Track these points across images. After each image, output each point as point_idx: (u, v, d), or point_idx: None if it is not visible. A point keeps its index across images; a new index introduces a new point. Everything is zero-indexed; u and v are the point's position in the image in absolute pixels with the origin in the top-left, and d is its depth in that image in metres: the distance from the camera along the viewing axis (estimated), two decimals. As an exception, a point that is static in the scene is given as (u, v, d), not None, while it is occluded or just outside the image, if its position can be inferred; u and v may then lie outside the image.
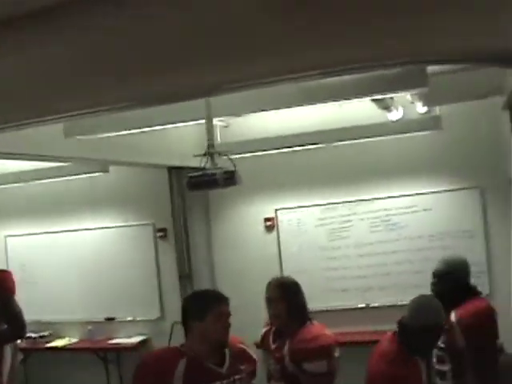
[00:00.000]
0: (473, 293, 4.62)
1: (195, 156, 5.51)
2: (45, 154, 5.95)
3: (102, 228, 9.27)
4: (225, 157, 5.47)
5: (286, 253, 8.51)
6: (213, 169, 5.32)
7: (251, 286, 8.55)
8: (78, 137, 6.00)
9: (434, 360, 4.37)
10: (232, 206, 8.73)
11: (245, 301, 8.55)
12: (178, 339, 8.60)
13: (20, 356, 8.97)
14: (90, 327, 9.24)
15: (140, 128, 6.06)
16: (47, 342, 9.35)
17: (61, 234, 9.49)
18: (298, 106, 5.78)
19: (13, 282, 5.99)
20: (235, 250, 8.72)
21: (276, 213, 8.57)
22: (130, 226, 9.11)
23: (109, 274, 9.16)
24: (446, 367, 4.34)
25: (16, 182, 9.07)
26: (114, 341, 9.07)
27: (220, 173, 5.29)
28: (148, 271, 9.00)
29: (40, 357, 9.44)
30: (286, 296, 4.32)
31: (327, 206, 8.33)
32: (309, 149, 7.90)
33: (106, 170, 8.32)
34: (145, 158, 7.16)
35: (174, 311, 8.59)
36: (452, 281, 4.60)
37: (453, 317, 4.35)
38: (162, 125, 6.06)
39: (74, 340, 9.39)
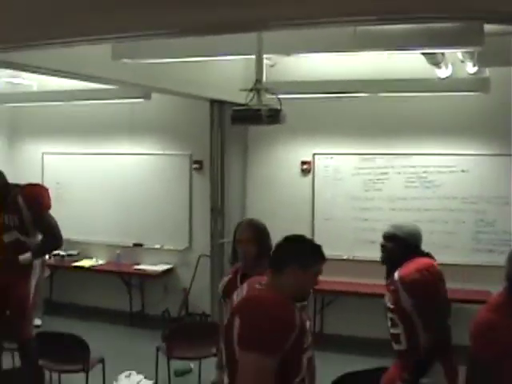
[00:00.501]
0: (420, 255, 4.55)
1: (241, 90, 5.47)
2: (90, 74, 5.94)
3: (139, 154, 9.31)
4: (271, 95, 5.42)
5: (319, 198, 8.50)
6: (258, 105, 5.28)
7: (281, 227, 8.57)
8: (124, 60, 5.98)
9: (389, 324, 4.44)
10: (270, 146, 8.70)
11: (272, 240, 8.60)
12: (203, 271, 8.75)
13: (47, 272, 9.15)
14: (117, 251, 9.34)
15: (189, 57, 6.02)
16: (74, 261, 9.50)
17: (97, 156, 9.56)
18: (348, 51, 5.71)
19: (49, 197, 6.20)
20: (269, 189, 8.73)
21: (313, 157, 8.53)
22: (166, 154, 9.14)
23: (141, 200, 9.23)
24: (398, 330, 4.33)
25: (57, 101, 9.13)
26: (139, 266, 9.17)
27: (265, 109, 5.25)
28: (180, 201, 9.05)
29: (66, 274, 9.60)
30: (258, 238, 4.20)
31: (365, 156, 8.28)
32: (353, 97, 7.83)
33: (148, 97, 8.31)
34: (189, 88, 7.12)
35: (202, 243, 8.73)
36: (399, 243, 4.52)
37: (396, 276, 4.31)
38: (211, 56, 6.03)
39: (100, 262, 9.52)
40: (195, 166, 9.02)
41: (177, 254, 9.14)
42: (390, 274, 4.42)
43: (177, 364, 6.82)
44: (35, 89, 9.31)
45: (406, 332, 4.25)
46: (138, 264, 9.23)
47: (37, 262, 6.31)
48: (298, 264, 3.29)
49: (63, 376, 6.33)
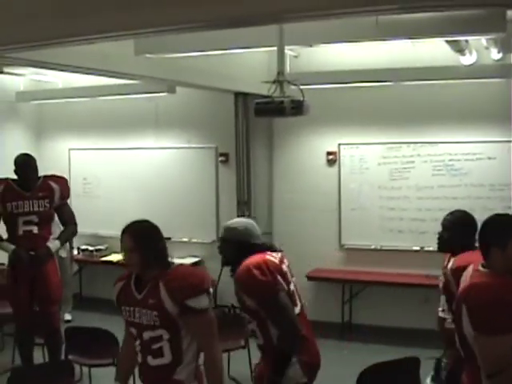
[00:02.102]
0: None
1: (264, 82, 5.47)
2: (114, 70, 5.98)
3: (165, 148, 9.34)
4: (294, 86, 5.41)
5: (346, 188, 8.47)
6: (281, 97, 5.28)
7: (308, 217, 8.60)
8: (147, 55, 6.01)
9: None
10: (295, 137, 8.69)
11: (299, 232, 8.62)
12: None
13: (75, 267, 9.23)
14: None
15: (212, 50, 6.03)
16: (102, 256, 9.55)
17: (123, 151, 9.61)
18: (371, 41, 5.68)
19: (68, 188, 6.59)
20: (295, 180, 8.71)
21: (339, 147, 8.51)
22: (192, 148, 9.16)
23: (168, 194, 9.26)
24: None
25: (82, 97, 9.19)
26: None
27: (288, 101, 5.25)
28: (207, 194, 9.07)
29: (94, 269, 9.67)
30: (138, 246, 3.81)
31: (391, 145, 8.24)
32: (377, 86, 7.80)
33: (172, 91, 8.34)
34: (212, 81, 7.14)
35: (230, 236, 8.73)
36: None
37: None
38: (234, 49, 6.03)
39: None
40: (221, 158, 9.03)
41: (205, 246, 9.16)
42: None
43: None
44: (60, 86, 9.39)
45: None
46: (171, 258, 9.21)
47: (63, 255, 6.44)
48: (497, 245, 3.32)
49: (93, 370, 6.40)
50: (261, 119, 7.60)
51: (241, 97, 8.30)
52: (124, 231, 3.94)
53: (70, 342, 5.97)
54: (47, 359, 6.51)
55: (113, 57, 5.53)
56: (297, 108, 5.27)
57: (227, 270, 4.40)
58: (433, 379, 4.91)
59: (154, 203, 9.32)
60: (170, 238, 9.20)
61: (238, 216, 8.43)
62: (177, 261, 8.94)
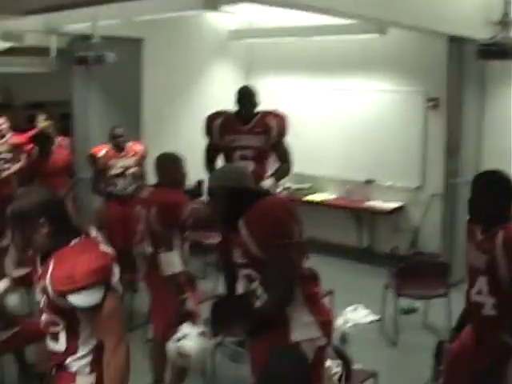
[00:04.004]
0: None
1: (488, 24, 5.23)
2: (328, 7, 5.91)
3: (372, 90, 9.22)
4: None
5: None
6: (505, 39, 5.02)
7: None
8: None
9: None
10: (509, 85, 8.26)
11: None
12: (434, 211, 8.60)
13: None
14: (348, 186, 9.38)
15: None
16: (305, 195, 9.66)
17: (330, 91, 9.59)
18: None
19: (287, 125, 6.71)
20: (508, 132, 8.28)
21: None
22: (400, 91, 8.97)
23: (373, 136, 9.16)
24: None
25: (293, 36, 9.25)
26: (369, 203, 9.15)
27: (513, 43, 5.00)
28: (413, 139, 8.87)
29: (297, 208, 9.76)
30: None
31: None
32: None
33: (383, 32, 8.18)
34: (427, 22, 6.88)
35: (435, 183, 8.55)
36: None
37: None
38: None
39: (331, 196, 9.61)
40: (430, 103, 8.74)
41: (408, 192, 9.01)
42: None
43: (403, 302, 6.78)
44: (270, 25, 9.48)
45: None
46: (368, 200, 9.20)
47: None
48: None
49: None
50: (473, 65, 7.31)
51: (454, 40, 7.96)
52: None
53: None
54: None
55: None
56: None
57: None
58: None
59: (358, 145, 9.29)
60: (373, 181, 9.20)
61: (446, 163, 8.22)
62: (379, 204, 8.99)
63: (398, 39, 8.60)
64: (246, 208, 3.66)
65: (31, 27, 7.83)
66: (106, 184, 7.68)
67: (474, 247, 3.89)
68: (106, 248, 3.22)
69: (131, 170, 7.67)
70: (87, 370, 3.24)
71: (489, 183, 3.92)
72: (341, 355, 4.41)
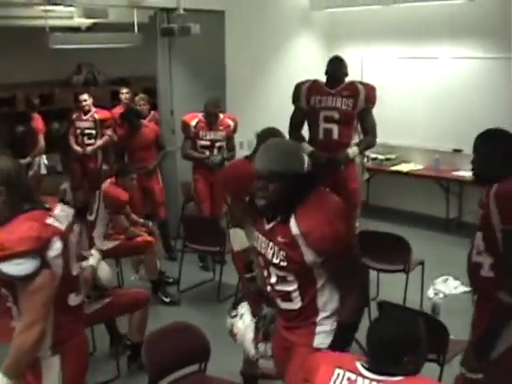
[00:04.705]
0: None
1: None
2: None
3: (459, 58, 8.96)
4: None
5: None
6: None
7: None
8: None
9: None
10: None
11: None
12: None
13: (366, 175, 9.29)
14: (436, 156, 9.20)
15: None
16: (393, 165, 9.53)
17: (415, 60, 9.39)
18: None
19: (375, 95, 6.75)
20: None
21: None
22: (488, 58, 8.68)
23: (461, 105, 8.92)
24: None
25: (376, 4, 9.09)
26: (458, 173, 8.94)
27: None
28: (502, 107, 8.54)
29: (383, 178, 9.69)
30: None
31: None
32: None
33: (472, -3, 7.98)
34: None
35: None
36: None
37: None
38: None
39: (418, 167, 9.45)
40: (518, 70, 8.47)
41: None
42: None
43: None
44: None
45: None
46: (456, 170, 9.00)
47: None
48: None
49: (382, 275, 6.49)
50: None
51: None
52: None
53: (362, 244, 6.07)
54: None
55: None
56: None
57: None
58: None
59: (445, 114, 9.08)
60: (461, 151, 8.98)
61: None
62: (467, 174, 8.80)
63: (486, 5, 8.35)
64: (300, 198, 3.17)
65: (115, 2, 7.89)
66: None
67: (478, 205, 3.83)
68: (55, 222, 3.11)
69: (219, 144, 7.67)
70: (49, 353, 3.17)
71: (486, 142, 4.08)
72: (437, 325, 4.30)
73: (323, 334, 3.31)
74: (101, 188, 6.63)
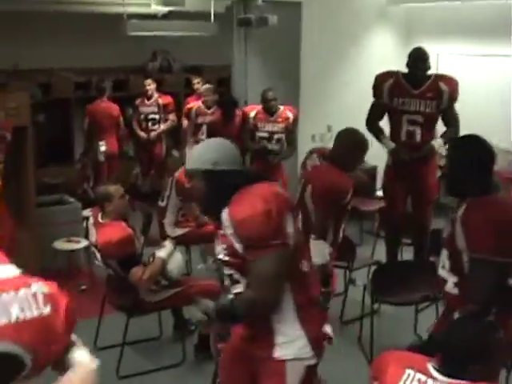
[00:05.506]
0: None
1: None
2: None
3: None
4: None
5: None
6: None
7: None
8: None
9: None
10: None
11: None
12: None
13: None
14: (510, 157, 9.05)
15: None
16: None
17: (495, 57, 9.22)
18: None
19: (458, 91, 6.74)
20: None
21: None
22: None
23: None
24: None
25: (453, 0, 8.96)
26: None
27: None
28: None
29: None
30: None
31: None
32: None
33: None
34: None
35: None
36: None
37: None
38: None
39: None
40: None
41: None
42: None
43: None
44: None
45: None
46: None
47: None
48: None
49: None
50: None
51: None
52: None
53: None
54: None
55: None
56: None
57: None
58: None
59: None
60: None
61: None
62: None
63: None
64: (232, 195, 3.12)
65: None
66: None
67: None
68: None
69: (278, 136, 7.67)
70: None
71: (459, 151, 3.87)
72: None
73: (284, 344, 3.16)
74: (173, 175, 6.67)
